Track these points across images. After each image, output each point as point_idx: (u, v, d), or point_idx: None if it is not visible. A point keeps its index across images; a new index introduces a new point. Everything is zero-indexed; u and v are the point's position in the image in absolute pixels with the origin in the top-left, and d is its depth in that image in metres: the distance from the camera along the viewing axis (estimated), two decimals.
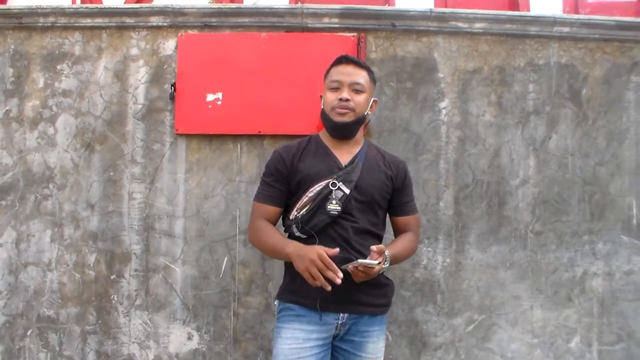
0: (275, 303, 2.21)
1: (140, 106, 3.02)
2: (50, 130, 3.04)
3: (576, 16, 3.10)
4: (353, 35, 2.98)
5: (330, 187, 2.07)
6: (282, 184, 2.17)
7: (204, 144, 2.99)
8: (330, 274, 1.88)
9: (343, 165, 2.14)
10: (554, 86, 3.00)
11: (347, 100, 2.11)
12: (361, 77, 2.16)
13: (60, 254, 2.99)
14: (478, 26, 2.99)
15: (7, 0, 3.37)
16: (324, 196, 2.06)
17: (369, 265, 1.89)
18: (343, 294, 1.98)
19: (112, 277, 2.98)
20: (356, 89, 2.13)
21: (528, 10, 3.24)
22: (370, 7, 3.02)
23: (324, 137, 2.23)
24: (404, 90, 2.99)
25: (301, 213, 2.09)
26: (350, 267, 1.91)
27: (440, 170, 2.97)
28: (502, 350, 2.92)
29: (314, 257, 1.90)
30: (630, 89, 3.01)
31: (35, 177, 3.02)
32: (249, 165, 2.96)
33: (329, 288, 1.90)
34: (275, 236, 2.12)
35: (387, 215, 2.30)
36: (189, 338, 2.95)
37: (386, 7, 3.15)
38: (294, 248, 2.01)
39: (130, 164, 3.00)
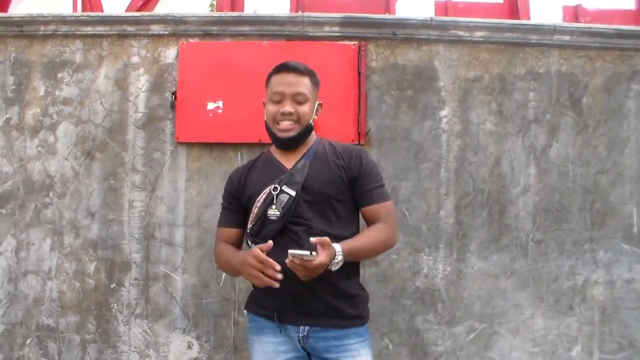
0: (245, 312, 2.15)
1: (141, 114, 3.02)
2: (51, 139, 3.04)
3: (576, 25, 3.11)
4: (354, 44, 2.98)
5: (272, 192, 1.98)
6: (235, 205, 2.13)
7: (205, 152, 2.99)
8: (269, 272, 1.77)
9: (288, 169, 2.05)
10: (555, 94, 3.00)
11: (291, 113, 2.01)
12: (303, 85, 2.04)
13: (60, 262, 2.99)
14: (479, 35, 3.00)
15: (8, 9, 3.38)
16: (268, 203, 1.97)
17: (305, 257, 1.71)
18: (302, 305, 1.91)
19: (112, 285, 2.97)
20: (298, 100, 2.02)
21: (528, 18, 3.25)
22: (371, 16, 3.03)
23: (274, 149, 2.16)
24: (404, 98, 3.00)
25: (251, 225, 2.01)
26: (287, 261, 1.75)
27: (441, 178, 2.96)
28: (503, 359, 2.91)
29: (250, 259, 1.81)
30: (631, 97, 3.01)
31: (36, 185, 3.02)
32: None
33: (276, 285, 1.77)
34: (227, 252, 2.06)
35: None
36: (189, 347, 2.94)
37: (387, 16, 3.16)
38: (238, 258, 1.94)
39: (131, 172, 3.00)
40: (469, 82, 3.01)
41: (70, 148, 3.02)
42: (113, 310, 2.97)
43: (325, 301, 1.93)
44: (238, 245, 2.14)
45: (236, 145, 2.98)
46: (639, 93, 3.01)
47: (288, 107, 2.01)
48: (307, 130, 2.08)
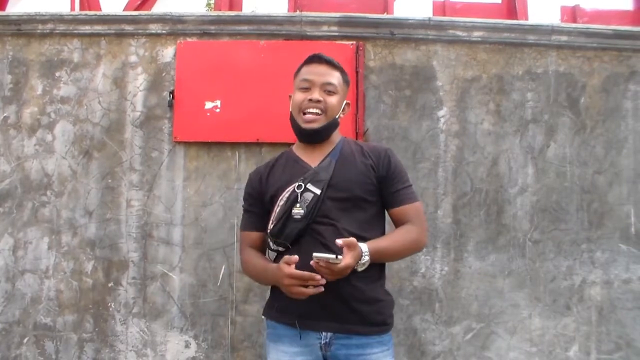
0: (263, 318, 2.06)
1: (139, 113, 3.02)
2: (49, 137, 3.03)
3: (574, 25, 3.12)
4: (352, 44, 2.98)
5: (296, 190, 1.88)
6: (257, 206, 2.03)
7: (203, 152, 2.99)
8: (312, 283, 1.72)
9: (312, 168, 1.96)
10: (552, 94, 3.01)
11: (319, 101, 1.93)
12: (334, 77, 1.97)
13: (58, 261, 2.98)
14: (476, 35, 3.00)
15: (6, 7, 3.38)
16: (292, 202, 1.88)
17: (330, 261, 1.67)
18: (325, 310, 1.82)
19: (110, 284, 2.97)
20: (328, 89, 1.95)
21: (526, 19, 3.26)
22: (369, 16, 3.04)
23: (297, 147, 2.07)
24: (402, 98, 3.00)
25: (273, 225, 1.91)
26: (312, 262, 1.70)
27: (439, 178, 2.97)
28: (501, 359, 2.91)
29: (285, 281, 1.75)
30: (628, 98, 3.02)
31: (33, 184, 3.02)
32: (248, 173, 2.94)
33: (322, 289, 1.73)
34: (258, 265, 1.99)
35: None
36: (187, 346, 2.94)
37: (385, 16, 3.16)
38: (272, 275, 1.86)
39: (129, 172, 3.00)
40: (467, 82, 3.01)
41: (67, 147, 3.02)
42: (110, 309, 2.96)
43: (349, 305, 1.84)
44: (263, 248, 2.05)
45: (234, 145, 2.98)
46: (637, 93, 3.02)
47: (316, 95, 1.93)
48: (333, 125, 1.99)
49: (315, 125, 1.95)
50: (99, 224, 2.99)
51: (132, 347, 2.95)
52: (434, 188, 2.96)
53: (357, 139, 2.92)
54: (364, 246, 1.79)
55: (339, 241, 1.73)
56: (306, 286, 1.75)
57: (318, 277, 1.71)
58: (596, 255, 2.95)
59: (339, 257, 1.68)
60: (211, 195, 2.96)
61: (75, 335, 2.96)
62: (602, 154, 2.99)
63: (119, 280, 2.97)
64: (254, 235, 2.05)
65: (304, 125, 1.95)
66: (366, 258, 1.79)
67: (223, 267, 2.93)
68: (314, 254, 1.69)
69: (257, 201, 2.04)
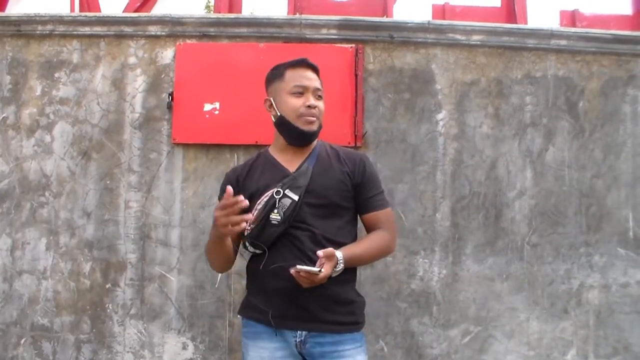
0: (239, 317, 2.10)
1: (138, 115, 3.02)
2: (47, 138, 3.03)
3: (573, 29, 3.12)
4: (351, 47, 2.98)
5: (275, 195, 1.92)
6: None
7: (201, 154, 2.99)
8: (235, 219, 1.70)
9: (291, 172, 1.99)
10: (551, 98, 3.01)
11: (315, 107, 1.97)
12: (319, 82, 2.03)
13: (56, 262, 2.98)
14: (476, 38, 3.01)
15: (5, 8, 3.37)
16: (270, 207, 1.91)
17: (311, 272, 1.74)
18: (300, 310, 1.89)
19: (108, 285, 2.97)
20: (318, 94, 2.01)
21: (525, 23, 3.25)
22: (368, 19, 3.04)
23: (273, 150, 2.10)
24: (401, 101, 3.00)
25: (251, 228, 1.94)
26: (292, 271, 1.75)
27: (437, 181, 2.97)
28: None
29: (217, 213, 1.73)
30: (627, 102, 3.02)
31: (32, 185, 3.02)
32: None
33: (248, 220, 1.73)
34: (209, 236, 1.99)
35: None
36: (184, 348, 2.94)
37: (384, 19, 3.16)
38: (213, 229, 1.86)
39: (127, 173, 3.00)
40: (466, 86, 3.01)
41: (66, 148, 3.02)
42: (108, 310, 2.96)
43: (323, 306, 1.90)
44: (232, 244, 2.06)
45: (233, 147, 2.98)
46: (635, 98, 3.03)
47: (313, 101, 1.97)
48: (320, 128, 2.05)
49: (314, 127, 2.00)
50: (97, 225, 2.99)
51: (130, 348, 2.94)
52: (432, 191, 2.96)
53: (356, 142, 2.92)
54: (339, 253, 1.84)
55: (320, 253, 1.78)
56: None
57: (241, 198, 1.69)
58: (594, 259, 2.95)
59: (321, 270, 1.75)
60: (209, 197, 2.96)
61: (72, 336, 2.96)
62: (600, 158, 3.00)
63: (116, 281, 2.97)
64: None
65: (306, 128, 1.98)
66: (341, 265, 1.84)
67: None
68: (298, 266, 1.74)
69: None
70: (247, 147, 2.96)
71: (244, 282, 2.87)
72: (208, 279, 2.94)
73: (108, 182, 3.00)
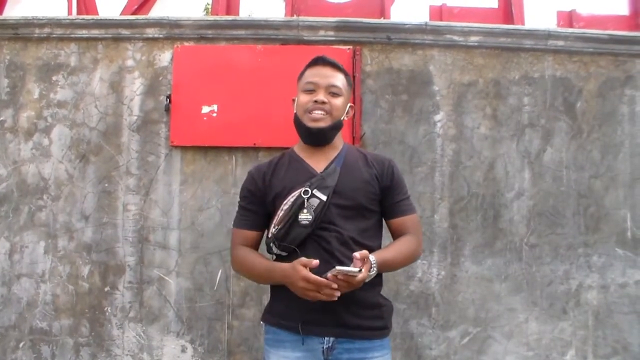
0: (262, 324, 2.05)
1: (136, 118, 3.02)
2: (45, 141, 3.03)
3: (570, 30, 3.12)
4: (349, 48, 2.99)
5: (303, 195, 1.87)
6: (257, 205, 2.01)
7: (199, 156, 2.99)
8: (327, 292, 1.71)
9: (318, 172, 1.95)
10: (549, 99, 3.02)
11: (324, 102, 1.93)
12: (338, 79, 1.97)
13: (54, 265, 2.98)
14: (473, 39, 3.01)
15: (3, 11, 3.37)
16: (298, 207, 1.87)
17: (350, 274, 1.68)
18: (328, 315, 1.82)
19: (106, 289, 2.97)
20: (333, 91, 1.95)
21: (523, 23, 3.26)
22: (365, 20, 3.04)
23: (299, 149, 2.05)
24: (399, 102, 3.00)
25: (277, 229, 1.90)
26: (329, 275, 1.70)
27: (436, 182, 2.97)
28: None
29: (301, 284, 1.73)
30: (625, 102, 3.03)
31: (30, 188, 3.01)
32: (244, 178, 2.94)
33: (336, 297, 1.72)
34: (260, 263, 1.95)
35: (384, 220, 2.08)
36: (183, 350, 2.93)
37: (382, 20, 3.17)
38: (281, 275, 1.83)
39: (125, 176, 3.00)
40: (464, 87, 3.02)
41: (64, 151, 3.02)
42: (107, 313, 2.96)
43: (351, 311, 1.85)
44: (256, 248, 2.04)
45: (231, 149, 2.98)
46: (633, 98, 3.03)
47: (321, 96, 1.93)
48: (337, 126, 1.99)
49: (322, 124, 1.95)
50: (95, 228, 2.98)
51: (129, 351, 2.94)
52: (430, 192, 2.96)
53: (354, 143, 2.92)
54: (372, 258, 1.79)
55: (357, 254, 1.73)
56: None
57: (335, 286, 1.70)
58: (593, 259, 2.95)
59: (362, 269, 1.70)
60: (208, 199, 2.96)
61: (71, 339, 2.95)
62: (598, 159, 3.00)
63: (115, 284, 2.97)
64: (250, 234, 2.02)
65: (311, 124, 1.95)
66: (374, 270, 1.79)
67: (219, 272, 2.93)
68: (337, 267, 1.68)
69: (258, 200, 2.01)
70: (245, 149, 2.96)
71: (243, 284, 2.90)
72: (207, 282, 2.94)
73: (106, 185, 3.00)
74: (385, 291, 2.19)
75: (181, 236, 2.97)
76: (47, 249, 2.99)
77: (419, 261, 2.92)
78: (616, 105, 3.03)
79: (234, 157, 2.98)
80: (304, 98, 1.97)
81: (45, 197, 3.01)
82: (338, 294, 1.72)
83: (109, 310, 2.96)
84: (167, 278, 2.96)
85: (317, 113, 1.94)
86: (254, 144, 2.93)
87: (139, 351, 2.94)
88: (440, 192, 2.96)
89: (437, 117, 3.00)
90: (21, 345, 2.97)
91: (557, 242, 2.96)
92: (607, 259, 2.96)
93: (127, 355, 2.94)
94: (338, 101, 1.96)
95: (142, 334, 2.95)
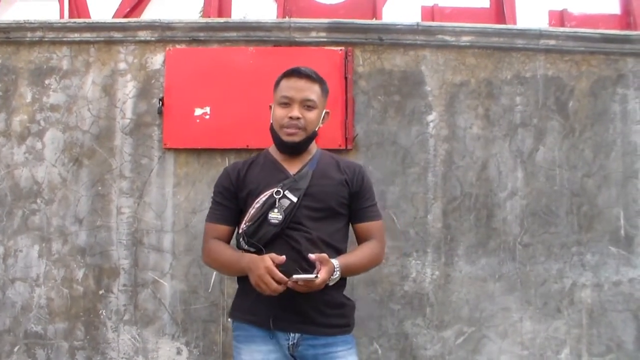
0: (229, 321, 2.10)
1: (128, 121, 3.02)
2: (38, 145, 3.03)
3: (562, 29, 3.13)
4: (340, 49, 2.99)
5: (275, 195, 1.96)
6: (230, 201, 2.08)
7: (192, 158, 2.99)
8: (277, 287, 1.80)
9: (291, 174, 2.03)
10: (541, 99, 3.02)
11: (298, 118, 1.99)
12: (313, 92, 2.03)
13: (48, 269, 2.98)
14: (465, 39, 3.02)
15: None
16: (269, 206, 1.95)
17: (308, 280, 1.78)
18: (294, 312, 1.92)
19: (101, 292, 2.97)
20: (308, 105, 2.01)
21: (514, 23, 3.26)
22: (357, 22, 3.05)
23: (274, 150, 2.13)
24: (391, 103, 3.01)
25: (247, 225, 1.98)
26: (289, 283, 1.80)
27: (429, 183, 2.97)
28: None
29: (262, 272, 1.80)
30: (616, 101, 3.04)
31: (23, 192, 3.01)
32: None
33: (276, 294, 1.82)
34: (228, 252, 2.04)
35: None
36: (178, 353, 2.94)
37: (373, 21, 3.17)
38: (247, 262, 1.90)
39: (119, 179, 3.00)
40: (456, 87, 3.02)
41: (57, 154, 3.02)
42: (102, 316, 2.96)
43: (316, 309, 1.94)
44: (227, 242, 2.11)
45: (224, 151, 2.98)
46: (625, 97, 3.04)
47: (296, 112, 2.00)
48: (311, 138, 2.08)
49: (296, 139, 2.02)
50: (89, 231, 2.98)
51: (124, 354, 2.94)
52: (423, 193, 2.97)
53: (346, 144, 2.93)
54: (335, 262, 1.89)
55: (312, 256, 1.83)
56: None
57: (291, 285, 1.80)
58: (586, 258, 2.96)
59: (318, 276, 1.79)
60: (201, 201, 2.96)
61: (66, 343, 2.95)
62: (590, 157, 3.01)
63: (109, 287, 2.97)
64: (222, 228, 2.10)
65: (286, 139, 2.03)
66: (337, 274, 1.89)
67: (214, 274, 2.93)
68: (294, 276, 1.78)
69: (232, 196, 2.09)
70: (238, 151, 2.97)
71: (237, 286, 2.89)
72: (201, 284, 2.94)
73: (100, 188, 3.00)
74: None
75: (175, 239, 2.97)
76: (41, 253, 2.99)
77: (413, 261, 2.93)
78: (608, 104, 3.03)
79: (227, 159, 2.98)
80: (279, 112, 2.03)
81: (38, 200, 3.01)
82: (281, 289, 1.81)
83: (104, 314, 2.96)
84: (161, 281, 2.96)
85: (292, 130, 2.02)
86: (247, 145, 2.93)
87: (134, 354, 2.94)
88: (434, 193, 2.97)
89: (430, 118, 3.00)
90: (16, 349, 2.96)
91: (551, 241, 2.96)
92: (601, 257, 2.96)
93: (122, 358, 2.94)
94: (312, 114, 2.03)
95: (137, 336, 2.95)
